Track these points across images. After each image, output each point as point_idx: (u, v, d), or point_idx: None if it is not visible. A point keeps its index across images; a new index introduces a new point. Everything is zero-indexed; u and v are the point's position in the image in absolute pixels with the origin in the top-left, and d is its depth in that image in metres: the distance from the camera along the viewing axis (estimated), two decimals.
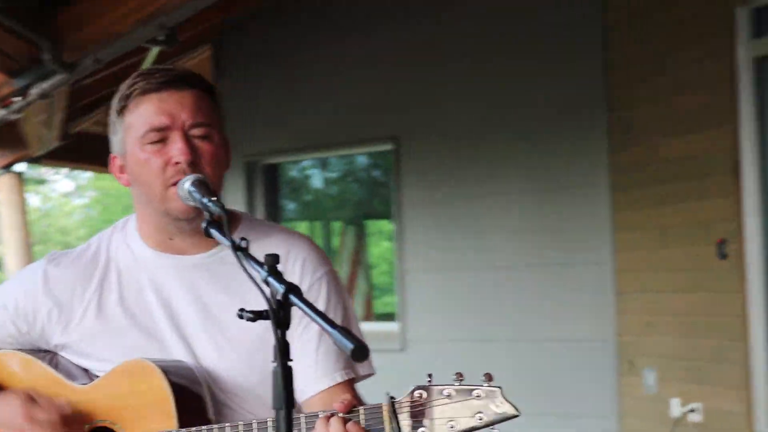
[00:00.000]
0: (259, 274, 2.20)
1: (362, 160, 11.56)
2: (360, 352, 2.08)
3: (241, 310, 2.20)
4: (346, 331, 2.10)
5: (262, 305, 2.23)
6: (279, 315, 2.15)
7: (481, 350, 8.58)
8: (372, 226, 11.83)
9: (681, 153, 7.97)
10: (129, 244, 2.80)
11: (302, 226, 11.97)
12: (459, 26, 9.56)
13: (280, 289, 2.16)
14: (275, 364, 2.12)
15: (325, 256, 2.88)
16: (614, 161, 8.71)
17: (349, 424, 2.38)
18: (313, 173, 12.13)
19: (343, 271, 11.24)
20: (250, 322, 2.36)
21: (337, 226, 11.93)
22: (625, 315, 8.64)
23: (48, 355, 2.81)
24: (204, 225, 2.45)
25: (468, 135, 9.42)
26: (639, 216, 8.45)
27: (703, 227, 7.78)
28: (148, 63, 8.93)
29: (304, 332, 2.71)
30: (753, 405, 7.41)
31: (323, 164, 11.87)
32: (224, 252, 2.65)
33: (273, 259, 2.21)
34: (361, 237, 11.68)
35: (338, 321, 2.63)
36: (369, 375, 2.81)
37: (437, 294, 9.73)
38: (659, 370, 8.20)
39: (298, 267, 2.70)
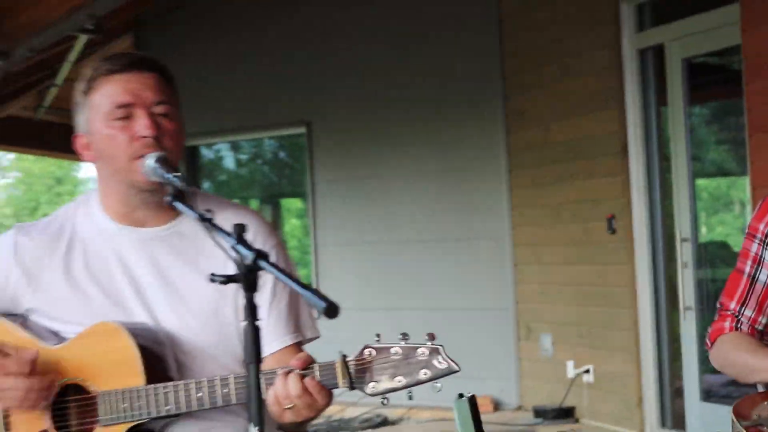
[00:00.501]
0: (227, 242, 2.22)
1: (271, 143, 11.43)
2: (332, 309, 2.07)
3: (212, 274, 2.20)
4: (317, 291, 2.11)
5: (219, 272, 2.29)
6: (249, 278, 2.15)
7: (391, 318, 8.54)
8: (283, 204, 11.65)
9: (572, 135, 8.03)
10: (92, 217, 2.77)
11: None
12: (368, 16, 9.53)
13: (250, 255, 2.16)
14: (245, 323, 2.13)
15: (273, 228, 2.90)
16: (510, 144, 8.79)
17: (306, 380, 2.39)
18: (228, 155, 11.98)
19: None
20: (205, 290, 2.61)
21: (253, 204, 11.71)
22: (522, 285, 8.74)
23: (19, 319, 2.76)
24: (169, 199, 2.45)
25: (376, 119, 9.41)
26: (534, 194, 8.51)
27: (594, 204, 7.85)
28: (75, 51, 8.83)
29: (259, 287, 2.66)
30: (641, 367, 7.53)
31: (236, 147, 11.82)
32: (182, 225, 2.74)
33: (240, 228, 2.22)
34: (276, 215, 11.53)
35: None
36: (315, 338, 2.83)
37: (349, 267, 9.75)
38: (554, 335, 8.29)
39: (250, 237, 2.51)
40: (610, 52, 7.61)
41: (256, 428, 2.13)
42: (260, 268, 2.16)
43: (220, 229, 2.28)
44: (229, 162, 12.21)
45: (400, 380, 2.38)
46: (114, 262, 2.73)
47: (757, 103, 6.35)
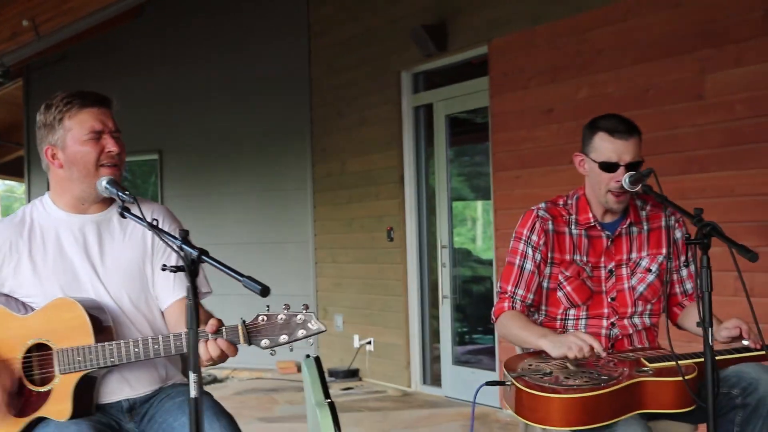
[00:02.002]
0: (174, 242, 2.31)
1: (131, 166, 11.03)
2: (265, 290, 2.21)
3: (164, 265, 2.33)
4: (251, 278, 2.23)
5: (141, 246, 2.76)
6: (192, 268, 2.23)
7: (220, 303, 8.25)
8: None
9: (362, 168, 8.11)
10: (47, 210, 2.79)
11: None
12: (213, 71, 9.39)
13: (194, 252, 2.25)
14: (189, 299, 2.21)
15: (174, 215, 2.98)
16: (315, 172, 8.79)
17: (219, 340, 2.47)
18: None
19: None
20: (130, 255, 2.77)
21: None
22: (321, 278, 8.78)
23: (2, 298, 2.74)
24: (119, 211, 2.51)
25: (214, 150, 9.32)
26: (332, 210, 8.55)
27: (377, 219, 7.93)
28: None
29: (164, 256, 2.82)
30: (409, 339, 7.64)
31: None
32: (111, 212, 2.80)
33: (184, 233, 2.32)
34: None
35: None
36: (208, 293, 2.88)
37: None
38: (345, 315, 8.35)
39: (167, 225, 2.83)
40: (393, 108, 7.67)
41: (195, 374, 2.19)
42: (203, 262, 2.27)
43: (167, 233, 2.39)
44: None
45: (285, 338, 2.46)
46: (66, 238, 2.74)
47: (500, 149, 6.53)
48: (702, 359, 2.72)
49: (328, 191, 8.49)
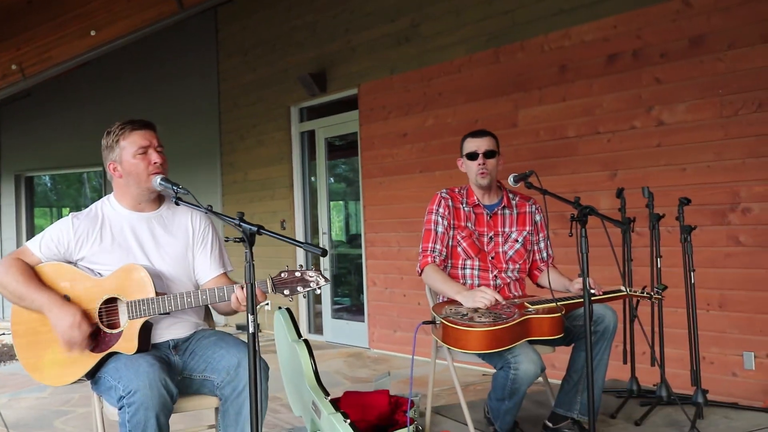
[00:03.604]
0: (233, 221, 2.27)
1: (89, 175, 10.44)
2: (325, 252, 2.22)
3: (227, 237, 2.28)
4: (309, 243, 2.30)
5: (184, 237, 2.68)
6: (251, 240, 2.20)
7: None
8: None
9: (261, 177, 7.98)
10: (113, 207, 2.72)
11: (42, 211, 10.55)
12: (143, 105, 8.98)
13: (253, 228, 2.22)
14: (247, 261, 2.18)
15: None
16: (224, 181, 8.56)
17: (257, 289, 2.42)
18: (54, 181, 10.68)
19: None
20: (177, 244, 2.68)
21: (66, 213, 10.48)
22: (231, 257, 8.28)
23: (79, 267, 2.64)
24: (174, 199, 2.53)
25: None
26: (237, 208, 8.30)
27: (273, 214, 7.82)
28: None
29: (203, 245, 2.77)
30: (297, 301, 7.43)
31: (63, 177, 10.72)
32: (162, 211, 2.74)
33: (242, 213, 2.27)
34: None
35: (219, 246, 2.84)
36: (231, 270, 2.87)
37: None
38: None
39: (201, 217, 2.80)
40: (284, 133, 7.59)
41: (252, 315, 2.15)
42: (261, 234, 2.23)
43: (223, 215, 2.35)
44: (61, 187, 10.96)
45: (300, 288, 2.43)
46: (127, 230, 2.68)
47: (367, 163, 6.56)
48: (571, 301, 2.88)
49: (235, 194, 8.31)
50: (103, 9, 5.52)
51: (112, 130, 2.69)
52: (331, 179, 7.49)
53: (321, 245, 7.23)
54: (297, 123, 7.50)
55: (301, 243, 2.22)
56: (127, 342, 2.50)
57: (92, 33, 5.53)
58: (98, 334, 2.53)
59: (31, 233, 10.10)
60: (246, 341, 2.28)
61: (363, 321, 6.73)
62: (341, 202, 7.82)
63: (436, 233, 3.30)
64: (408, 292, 6.19)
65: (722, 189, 4.15)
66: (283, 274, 2.45)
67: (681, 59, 4.32)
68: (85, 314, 2.51)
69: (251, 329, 2.14)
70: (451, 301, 3.14)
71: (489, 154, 3.29)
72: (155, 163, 2.63)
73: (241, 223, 2.21)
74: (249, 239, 2.17)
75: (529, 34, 5.16)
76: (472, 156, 3.29)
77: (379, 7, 6.41)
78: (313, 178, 7.49)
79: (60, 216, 10.65)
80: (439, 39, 5.87)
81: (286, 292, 2.44)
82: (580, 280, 3.08)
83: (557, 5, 4.99)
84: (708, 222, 4.17)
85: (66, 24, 5.58)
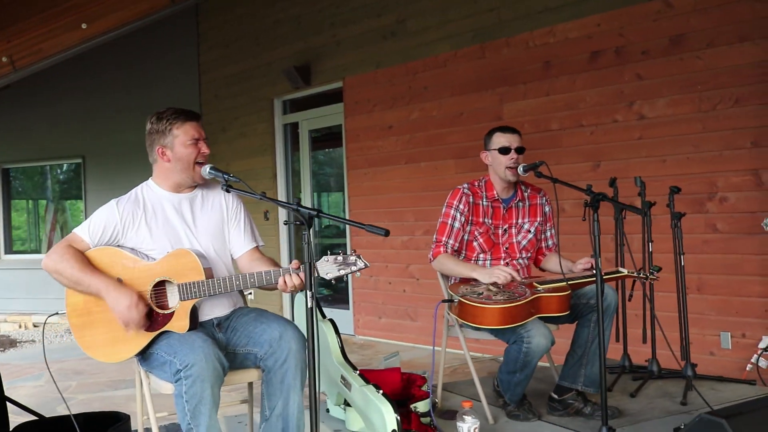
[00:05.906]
0: (289, 206, 2.39)
1: (60, 168, 10.31)
2: (387, 232, 2.30)
3: (285, 221, 2.41)
4: (371, 225, 2.30)
5: (219, 214, 2.80)
6: (309, 222, 2.31)
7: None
8: (68, 204, 10.37)
9: (245, 168, 7.99)
10: (153, 190, 2.82)
11: (21, 203, 10.35)
12: (124, 100, 8.99)
13: (312, 212, 2.33)
14: (305, 243, 2.30)
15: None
16: None
17: (301, 273, 2.51)
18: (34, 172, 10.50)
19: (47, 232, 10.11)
20: (215, 221, 2.79)
21: (42, 204, 10.31)
22: None
23: (125, 249, 2.72)
24: (223, 187, 2.61)
25: (129, 157, 8.75)
26: None
27: (256, 204, 7.77)
28: None
29: (236, 222, 2.88)
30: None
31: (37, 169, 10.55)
32: (199, 191, 2.85)
33: (299, 199, 2.39)
34: (64, 211, 10.24)
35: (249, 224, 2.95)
36: (262, 245, 2.94)
37: None
38: None
39: (232, 196, 2.89)
40: (268, 125, 7.65)
41: (310, 292, 2.26)
42: (320, 218, 2.34)
43: (278, 200, 2.48)
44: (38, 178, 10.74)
45: (341, 270, 2.48)
46: (170, 211, 2.77)
47: (353, 154, 6.66)
48: (578, 281, 3.09)
49: None
50: (94, 1, 5.54)
51: (164, 116, 2.77)
52: (315, 169, 7.60)
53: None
54: (280, 115, 7.57)
55: (364, 225, 2.31)
56: (179, 321, 2.61)
57: (83, 26, 5.55)
58: (151, 314, 2.63)
59: (8, 227, 9.98)
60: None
61: (348, 309, 6.87)
62: (325, 193, 7.93)
63: (452, 228, 3.42)
64: (393, 280, 6.34)
65: (700, 179, 4.40)
66: (325, 258, 2.50)
67: (661, 57, 4.56)
68: (140, 295, 2.61)
69: (309, 304, 2.28)
70: (464, 281, 3.32)
71: (520, 150, 3.41)
72: (204, 153, 2.77)
73: (299, 208, 2.34)
74: (307, 222, 2.30)
75: (515, 31, 5.32)
76: (505, 151, 3.37)
77: (365, 2, 6.50)
78: (296, 168, 7.59)
79: (35, 210, 10.55)
80: (425, 34, 6.01)
81: (327, 274, 2.49)
82: (583, 261, 3.29)
83: (542, 3, 5.18)
84: (687, 210, 4.41)
85: (57, 16, 5.58)
